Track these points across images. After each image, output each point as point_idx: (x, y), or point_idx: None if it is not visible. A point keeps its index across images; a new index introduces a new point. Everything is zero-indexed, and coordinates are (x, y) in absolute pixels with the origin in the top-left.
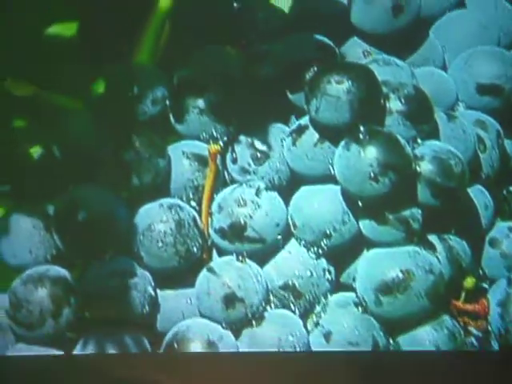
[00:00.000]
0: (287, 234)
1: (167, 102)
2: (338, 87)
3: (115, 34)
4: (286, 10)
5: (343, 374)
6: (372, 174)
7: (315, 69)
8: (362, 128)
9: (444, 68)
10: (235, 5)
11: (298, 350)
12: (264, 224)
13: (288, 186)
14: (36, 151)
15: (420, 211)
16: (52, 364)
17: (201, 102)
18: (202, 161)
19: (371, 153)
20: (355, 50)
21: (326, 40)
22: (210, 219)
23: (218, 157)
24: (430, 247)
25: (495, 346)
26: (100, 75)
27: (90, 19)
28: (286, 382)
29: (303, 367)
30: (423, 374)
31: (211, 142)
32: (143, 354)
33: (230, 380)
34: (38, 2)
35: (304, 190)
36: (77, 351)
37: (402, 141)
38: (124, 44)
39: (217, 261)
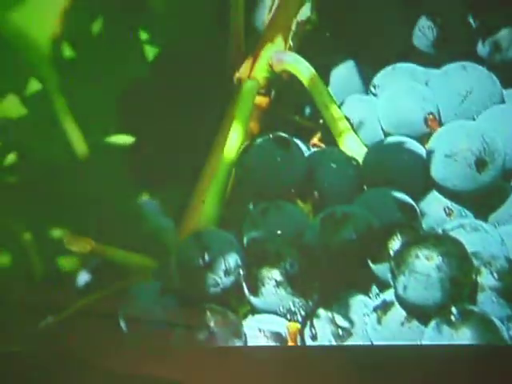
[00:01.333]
0: None
1: (240, 272)
2: (428, 264)
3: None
4: (360, 159)
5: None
6: None
7: (398, 236)
8: (453, 309)
9: None
10: (306, 154)
11: None
12: None
13: None
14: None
15: None
16: None
17: (276, 274)
18: (279, 339)
19: (465, 336)
20: (436, 206)
21: (406, 198)
22: None
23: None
24: None
25: None
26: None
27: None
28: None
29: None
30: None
31: (289, 317)
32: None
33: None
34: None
35: None
36: None
37: (497, 322)
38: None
39: None
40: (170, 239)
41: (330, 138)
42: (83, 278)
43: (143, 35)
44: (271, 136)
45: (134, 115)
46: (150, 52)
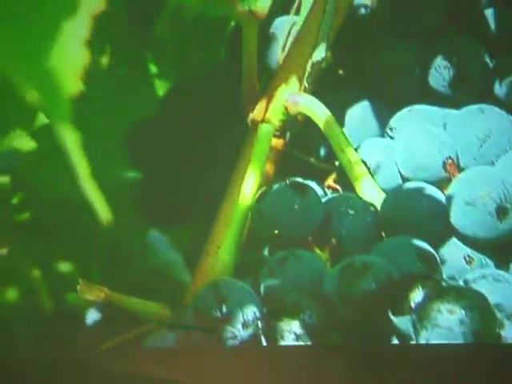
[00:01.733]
0: None
1: (259, 324)
2: (450, 318)
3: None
4: (378, 205)
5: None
6: None
7: (419, 288)
8: None
9: None
10: (322, 198)
11: None
12: None
13: None
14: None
15: None
16: None
17: (296, 326)
18: None
19: None
20: (455, 254)
21: (426, 247)
22: None
23: None
24: None
25: None
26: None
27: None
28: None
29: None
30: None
31: None
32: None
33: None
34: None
35: None
36: None
37: None
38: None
39: None
40: (179, 274)
41: (345, 180)
42: (92, 316)
43: (153, 69)
44: (288, 182)
45: (144, 152)
46: (160, 87)
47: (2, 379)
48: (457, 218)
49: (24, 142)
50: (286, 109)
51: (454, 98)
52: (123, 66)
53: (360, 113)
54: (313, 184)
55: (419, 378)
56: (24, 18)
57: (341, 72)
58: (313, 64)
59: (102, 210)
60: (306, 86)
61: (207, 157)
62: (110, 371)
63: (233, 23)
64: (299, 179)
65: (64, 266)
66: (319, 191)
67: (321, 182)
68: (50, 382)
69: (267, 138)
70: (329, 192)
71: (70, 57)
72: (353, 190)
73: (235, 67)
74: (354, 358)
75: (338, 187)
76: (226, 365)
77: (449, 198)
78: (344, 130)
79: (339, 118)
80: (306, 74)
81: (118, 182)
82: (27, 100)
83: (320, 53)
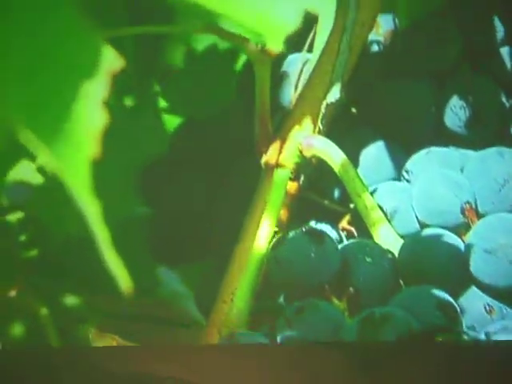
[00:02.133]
0: None
1: None
2: None
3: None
4: (396, 251)
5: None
6: None
7: (440, 339)
8: None
9: None
10: (339, 246)
11: None
12: None
13: None
14: None
15: None
16: None
17: None
18: None
19: None
20: (475, 303)
21: (446, 297)
22: None
23: None
24: None
25: None
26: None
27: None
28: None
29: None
30: None
31: None
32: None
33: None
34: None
35: None
36: None
37: None
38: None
39: None
40: (188, 307)
41: (360, 222)
42: None
43: (162, 103)
44: (304, 229)
45: (155, 189)
46: (170, 122)
47: (2, 379)
48: (476, 266)
49: (32, 175)
50: (301, 152)
51: (470, 139)
52: (132, 98)
53: (375, 153)
54: (327, 227)
55: (419, 377)
56: (42, 79)
57: (354, 111)
58: (327, 105)
59: (123, 279)
60: (321, 127)
61: (218, 195)
62: (110, 371)
63: (244, 57)
64: (314, 225)
65: (71, 301)
66: (333, 234)
67: (335, 225)
68: (50, 382)
69: (283, 184)
70: (343, 234)
71: (89, 119)
72: (368, 232)
73: (247, 104)
74: (353, 357)
75: (352, 229)
76: (226, 364)
77: (468, 246)
78: (359, 170)
79: (354, 159)
80: (321, 115)
81: (128, 218)
82: (43, 165)
83: (334, 94)
